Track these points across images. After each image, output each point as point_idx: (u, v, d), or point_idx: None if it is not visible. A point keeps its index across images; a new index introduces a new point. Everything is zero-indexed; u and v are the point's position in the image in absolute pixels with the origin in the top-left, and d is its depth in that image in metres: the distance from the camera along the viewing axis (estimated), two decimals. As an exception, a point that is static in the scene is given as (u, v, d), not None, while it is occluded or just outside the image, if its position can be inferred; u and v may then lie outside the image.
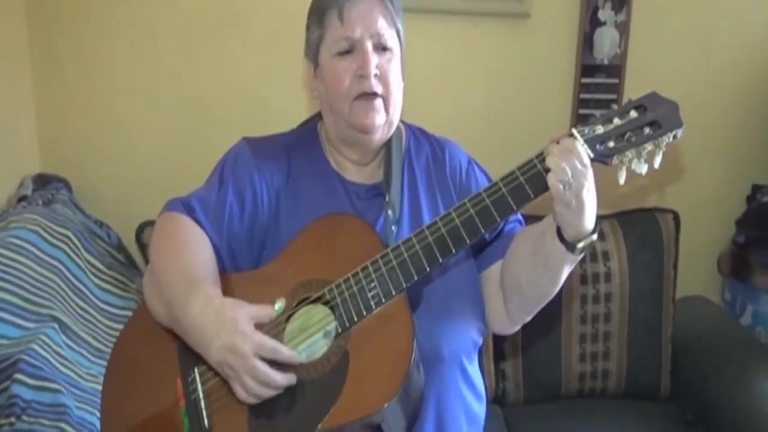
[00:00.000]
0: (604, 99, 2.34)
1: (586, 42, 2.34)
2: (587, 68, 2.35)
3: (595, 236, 1.25)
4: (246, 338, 1.17)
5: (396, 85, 1.39)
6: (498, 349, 2.25)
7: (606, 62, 2.35)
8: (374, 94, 1.35)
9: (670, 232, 2.30)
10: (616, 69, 2.36)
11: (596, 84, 2.36)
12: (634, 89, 2.28)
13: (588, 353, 2.25)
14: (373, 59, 1.35)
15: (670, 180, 2.51)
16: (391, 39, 1.38)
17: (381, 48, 1.37)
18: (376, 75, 1.35)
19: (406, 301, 1.25)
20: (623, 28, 2.34)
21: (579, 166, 1.17)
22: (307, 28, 1.43)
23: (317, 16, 1.39)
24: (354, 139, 1.41)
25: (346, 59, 1.36)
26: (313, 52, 1.42)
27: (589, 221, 1.23)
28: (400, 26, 1.41)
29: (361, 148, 1.44)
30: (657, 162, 1.23)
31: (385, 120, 1.39)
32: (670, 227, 2.30)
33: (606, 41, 2.34)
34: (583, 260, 1.27)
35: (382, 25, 1.36)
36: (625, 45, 2.35)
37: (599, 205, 1.24)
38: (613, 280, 2.24)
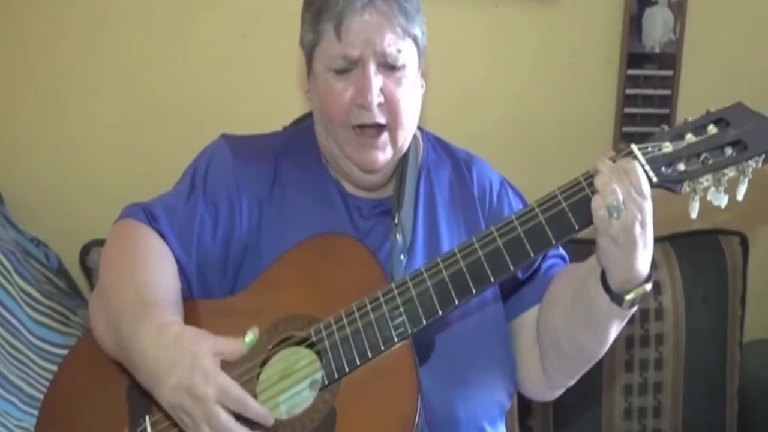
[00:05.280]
0: (656, 95, 2.30)
1: (633, 26, 2.30)
2: (635, 58, 2.32)
3: (648, 286, 1.19)
4: (208, 379, 1.12)
5: (408, 108, 1.34)
6: (524, 404, 2.16)
7: (657, 50, 2.32)
8: (376, 125, 1.32)
9: (736, 259, 2.26)
10: (670, 59, 2.32)
11: (646, 77, 2.32)
12: (692, 84, 2.28)
13: (635, 408, 2.23)
14: (376, 83, 1.30)
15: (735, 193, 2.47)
16: (403, 54, 1.31)
17: (389, 67, 1.32)
18: (380, 104, 1.31)
19: (411, 351, 1.20)
20: (679, 9, 2.30)
21: (634, 193, 1.12)
22: (302, 14, 1.37)
23: (311, 15, 1.33)
24: (349, 169, 1.39)
25: (343, 78, 1.32)
26: (306, 50, 1.37)
27: (642, 265, 1.17)
28: (417, 31, 1.34)
29: (360, 178, 1.40)
30: (741, 192, 1.18)
31: (391, 155, 1.37)
32: (736, 253, 2.27)
33: (658, 25, 2.31)
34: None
35: (391, 41, 1.30)
36: (681, 29, 2.31)
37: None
38: (666, 319, 2.21)
